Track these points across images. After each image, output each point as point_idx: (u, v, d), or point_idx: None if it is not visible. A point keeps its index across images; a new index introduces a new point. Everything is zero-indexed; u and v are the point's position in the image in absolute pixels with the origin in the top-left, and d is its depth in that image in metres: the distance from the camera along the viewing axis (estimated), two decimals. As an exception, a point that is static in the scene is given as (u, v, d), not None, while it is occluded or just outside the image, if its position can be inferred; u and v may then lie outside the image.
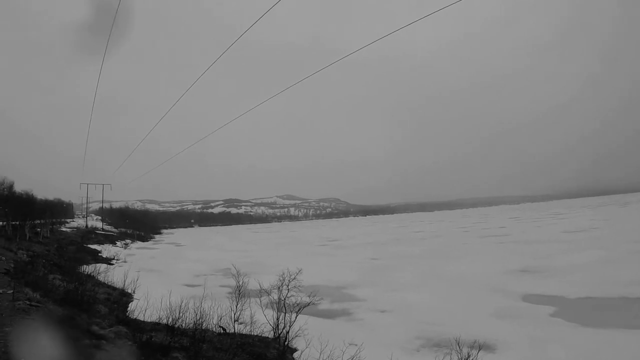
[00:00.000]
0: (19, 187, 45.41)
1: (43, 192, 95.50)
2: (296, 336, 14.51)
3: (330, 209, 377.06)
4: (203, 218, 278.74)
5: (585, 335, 15.68)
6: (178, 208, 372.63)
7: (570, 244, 41.37)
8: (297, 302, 14.91)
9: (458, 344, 11.61)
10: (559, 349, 14.26)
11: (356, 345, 13.48)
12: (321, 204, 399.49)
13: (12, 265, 16.87)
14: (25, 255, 25.25)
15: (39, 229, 46.48)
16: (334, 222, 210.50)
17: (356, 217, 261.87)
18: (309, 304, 15.26)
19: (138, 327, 12.65)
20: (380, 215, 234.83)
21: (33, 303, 10.04)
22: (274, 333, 15.03)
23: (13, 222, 38.96)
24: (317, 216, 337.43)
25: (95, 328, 10.64)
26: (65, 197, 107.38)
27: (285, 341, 14.49)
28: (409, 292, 25.24)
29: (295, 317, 14.73)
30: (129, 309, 17.33)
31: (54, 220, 61.47)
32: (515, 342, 15.20)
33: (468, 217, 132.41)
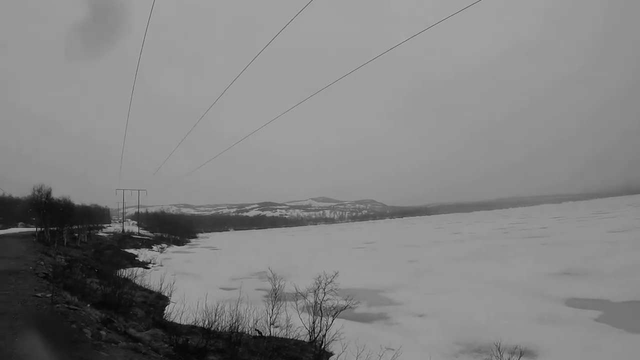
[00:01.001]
0: (56, 194, 46.85)
1: (80, 198, 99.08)
2: (332, 340, 14.22)
3: (366, 211, 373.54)
4: (238, 222, 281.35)
5: (632, 341, 14.79)
6: (213, 212, 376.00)
7: (616, 244, 39.22)
8: (334, 305, 14.63)
9: (498, 350, 11.24)
10: (604, 355, 13.49)
11: (393, 350, 13.15)
12: (357, 205, 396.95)
13: (51, 270, 17.28)
14: (63, 259, 25.93)
15: (76, 234, 47.94)
16: (369, 224, 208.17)
17: (392, 219, 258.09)
18: (345, 308, 14.97)
19: (174, 330, 12.64)
20: (417, 217, 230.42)
21: (71, 306, 10.13)
22: (310, 337, 14.79)
23: (51, 228, 40.18)
24: (353, 218, 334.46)
25: (132, 330, 10.66)
26: (102, 203, 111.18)
27: (321, 345, 14.28)
28: (447, 295, 24.56)
29: (332, 321, 14.48)
30: (165, 312, 17.44)
31: (91, 225, 63.30)
32: (557, 348, 14.47)
33: (507, 217, 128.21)
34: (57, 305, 9.70)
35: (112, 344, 8.15)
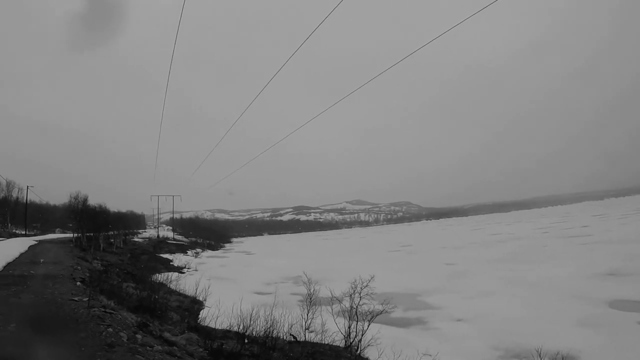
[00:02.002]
0: (93, 201, 48.31)
1: (116, 205, 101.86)
2: (368, 345, 14.01)
3: (401, 213, 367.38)
4: (272, 226, 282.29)
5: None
6: (247, 217, 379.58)
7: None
8: (369, 310, 14.36)
9: (539, 355, 11.02)
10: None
11: (430, 355, 13.05)
12: (392, 208, 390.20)
13: (88, 274, 17.64)
14: (99, 264, 26.49)
15: (112, 240, 48.98)
16: (405, 226, 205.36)
17: (429, 221, 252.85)
18: (381, 312, 14.68)
19: (209, 334, 12.59)
20: (454, 218, 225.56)
21: (108, 310, 10.20)
22: (346, 342, 14.54)
23: (88, 234, 41.25)
24: (388, 221, 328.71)
25: (167, 334, 10.64)
26: (137, 209, 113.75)
27: (357, 350, 14.06)
28: (486, 299, 24.01)
29: (368, 326, 14.21)
30: (200, 316, 17.53)
31: (127, 231, 64.47)
32: (601, 352, 13.97)
33: (546, 216, 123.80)
34: (94, 309, 9.78)
35: (148, 348, 8.12)
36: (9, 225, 63.17)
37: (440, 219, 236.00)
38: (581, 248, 42.39)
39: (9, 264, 17.79)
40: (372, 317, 14.27)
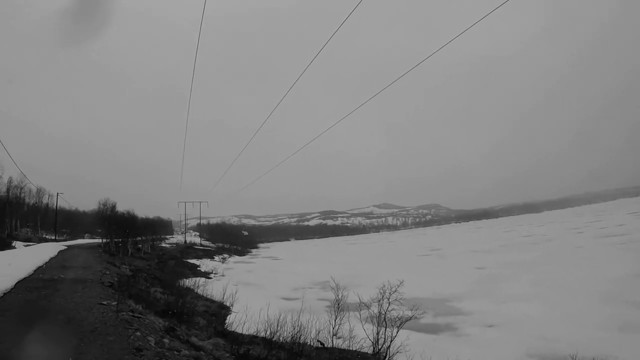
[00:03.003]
0: (121, 207, 49.39)
1: (144, 211, 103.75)
2: (397, 352, 13.68)
3: (430, 216, 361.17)
4: (299, 231, 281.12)
5: None
6: (274, 222, 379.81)
7: None
8: (398, 316, 14.03)
9: None
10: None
11: None
12: (420, 211, 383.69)
13: (116, 279, 17.90)
14: (128, 269, 26.95)
15: (140, 246, 49.60)
16: (434, 229, 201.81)
17: (458, 224, 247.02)
18: (410, 318, 14.35)
19: (236, 340, 12.54)
20: (484, 220, 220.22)
21: (135, 314, 10.28)
22: (374, 348, 14.25)
23: (116, 239, 42.02)
24: (417, 224, 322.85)
25: (194, 339, 10.66)
26: (165, 215, 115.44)
27: (385, 357, 13.77)
28: (519, 303, 23.31)
29: (396, 332, 13.89)
30: (227, 321, 17.56)
31: (154, 236, 65.37)
32: None
33: (581, 215, 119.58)
34: (122, 313, 9.85)
35: (175, 352, 8.13)
36: (40, 230, 65.28)
37: (470, 222, 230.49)
38: (617, 248, 40.92)
39: (39, 268, 18.23)
40: (401, 323, 13.96)
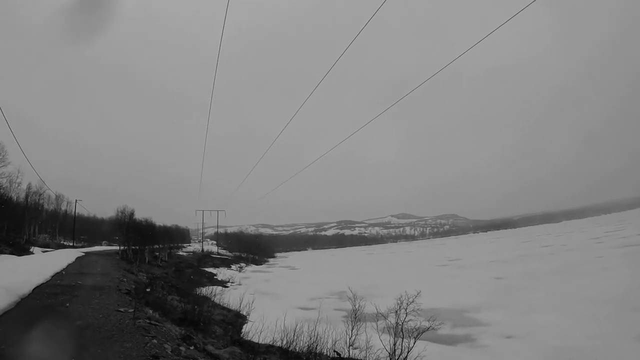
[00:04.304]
0: (139, 215, 49.78)
1: (162, 219, 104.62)
2: (414, 363, 13.36)
3: (448, 226, 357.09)
4: (317, 241, 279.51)
5: None
6: (291, 231, 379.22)
7: None
8: (416, 326, 13.78)
9: None
10: None
11: None
12: (438, 221, 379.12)
13: (133, 286, 18.09)
14: (145, 277, 27.18)
15: (157, 253, 50.03)
16: (452, 239, 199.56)
17: (476, 234, 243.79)
18: (428, 329, 14.02)
19: (252, 349, 12.53)
20: (502, 230, 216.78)
21: (152, 322, 10.34)
22: (390, 359, 14.00)
23: (133, 247, 42.39)
24: (435, 234, 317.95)
25: (210, 348, 10.66)
26: (182, 224, 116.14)
27: (402, 368, 13.40)
28: (538, 314, 22.77)
29: (414, 343, 13.62)
30: (243, 330, 17.54)
31: (172, 244, 65.91)
32: None
33: (601, 225, 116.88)
34: (139, 320, 9.93)
35: (191, 360, 8.13)
36: (57, 236, 66.36)
37: (488, 232, 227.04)
38: (638, 257, 39.76)
39: (56, 274, 18.48)
40: (418, 334, 13.68)
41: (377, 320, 15.04)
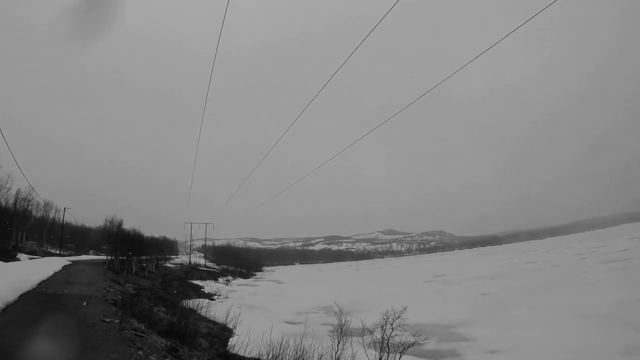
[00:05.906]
0: (127, 225, 49.29)
1: (150, 230, 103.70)
2: (399, 378, 13.45)
3: (434, 243, 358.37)
4: (304, 256, 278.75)
5: None
6: (279, 246, 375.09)
7: None
8: (401, 341, 13.91)
9: None
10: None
11: None
12: (425, 237, 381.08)
13: (120, 297, 17.99)
14: (132, 288, 26.92)
15: (144, 264, 49.42)
16: (439, 256, 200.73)
17: (462, 250, 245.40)
18: (413, 344, 14.16)
19: (238, 363, 12.51)
20: (488, 247, 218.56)
21: (138, 333, 10.34)
22: (376, 374, 14.08)
23: (121, 257, 41.99)
24: (421, 250, 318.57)
25: (196, 361, 10.65)
26: (170, 235, 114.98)
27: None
28: (524, 329, 23.06)
29: (399, 358, 13.75)
30: (229, 343, 17.49)
31: (160, 256, 65.06)
32: None
33: (584, 241, 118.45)
34: (125, 331, 9.93)
35: (177, 374, 8.15)
36: (45, 244, 65.37)
37: (474, 248, 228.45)
38: (622, 273, 40.38)
39: (43, 282, 18.28)
40: (404, 348, 13.81)
41: (363, 335, 15.13)
